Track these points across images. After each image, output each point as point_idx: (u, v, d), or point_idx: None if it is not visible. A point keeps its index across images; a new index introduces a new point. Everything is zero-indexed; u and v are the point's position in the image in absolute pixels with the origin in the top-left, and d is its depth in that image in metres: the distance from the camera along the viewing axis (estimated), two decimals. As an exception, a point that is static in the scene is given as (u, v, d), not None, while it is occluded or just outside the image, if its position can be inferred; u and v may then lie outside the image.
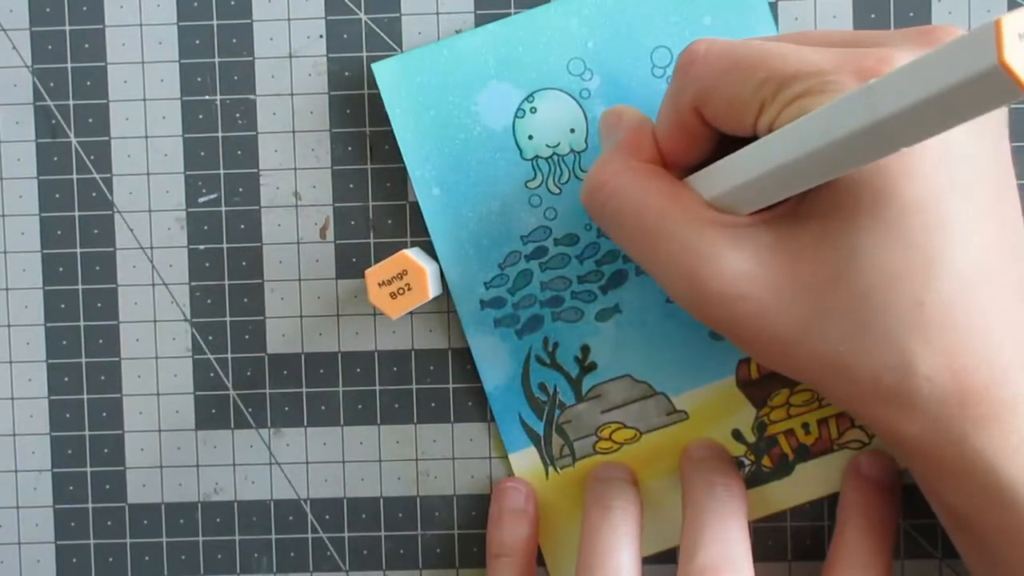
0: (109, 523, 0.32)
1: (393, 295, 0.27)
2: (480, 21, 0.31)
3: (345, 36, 0.31)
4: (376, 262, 0.31)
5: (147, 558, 0.32)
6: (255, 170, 0.31)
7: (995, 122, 0.23)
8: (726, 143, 0.25)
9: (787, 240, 0.23)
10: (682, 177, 0.25)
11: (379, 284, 0.27)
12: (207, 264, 0.32)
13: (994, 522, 0.23)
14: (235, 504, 0.32)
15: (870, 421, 0.24)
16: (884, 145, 0.19)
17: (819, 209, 0.23)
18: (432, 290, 0.28)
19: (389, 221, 0.31)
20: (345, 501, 0.32)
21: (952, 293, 0.22)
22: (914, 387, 0.22)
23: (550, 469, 0.31)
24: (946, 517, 0.25)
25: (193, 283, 0.32)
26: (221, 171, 0.31)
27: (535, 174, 0.31)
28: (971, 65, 0.16)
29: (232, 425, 0.32)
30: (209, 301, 0.32)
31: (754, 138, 0.23)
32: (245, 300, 0.32)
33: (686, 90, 0.24)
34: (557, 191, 0.31)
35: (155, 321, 0.32)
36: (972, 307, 0.22)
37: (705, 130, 0.25)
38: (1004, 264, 0.22)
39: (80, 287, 0.32)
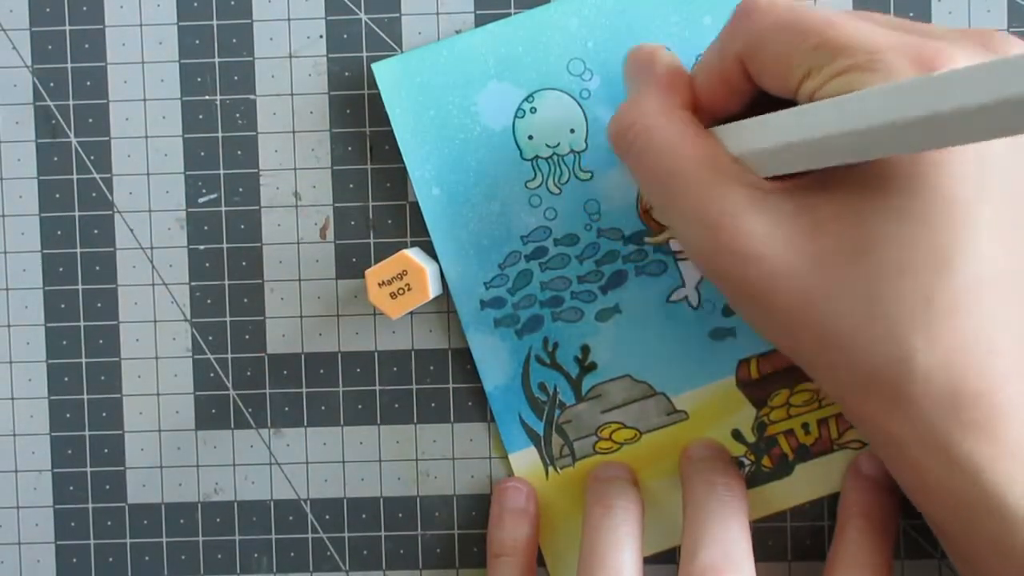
0: (109, 523, 0.32)
1: (393, 295, 0.27)
2: (480, 21, 0.31)
3: (345, 36, 0.31)
4: (376, 262, 0.31)
5: (147, 558, 0.32)
6: (255, 170, 0.31)
7: None
8: (759, 105, 0.24)
9: (809, 210, 0.23)
10: (708, 127, 0.25)
11: (379, 284, 0.27)
12: (207, 264, 0.32)
13: (977, 531, 0.23)
14: (235, 504, 0.32)
15: (861, 419, 0.24)
16: (937, 138, 0.18)
17: (846, 185, 0.22)
18: (432, 290, 0.28)
19: (389, 221, 0.31)
20: (345, 501, 0.32)
21: (962, 294, 0.21)
22: (910, 384, 0.22)
23: (550, 469, 0.31)
24: (931, 525, 0.25)
25: (193, 283, 0.32)
26: (221, 171, 0.31)
27: (535, 174, 0.31)
28: None
29: (232, 425, 0.32)
30: (209, 301, 0.32)
31: (792, 102, 0.23)
32: (245, 300, 0.32)
33: (737, 39, 0.24)
34: (557, 191, 0.31)
35: (155, 321, 0.32)
36: (979, 311, 0.22)
37: (745, 84, 0.24)
38: (1017, 276, 0.22)
39: (80, 287, 0.32)
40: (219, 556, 0.32)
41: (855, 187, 0.22)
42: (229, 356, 0.32)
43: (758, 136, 0.23)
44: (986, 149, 0.22)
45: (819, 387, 0.25)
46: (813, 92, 0.22)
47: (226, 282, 0.32)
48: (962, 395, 0.22)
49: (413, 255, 0.28)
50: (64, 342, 0.32)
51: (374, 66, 0.31)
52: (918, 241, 0.21)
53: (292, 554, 0.32)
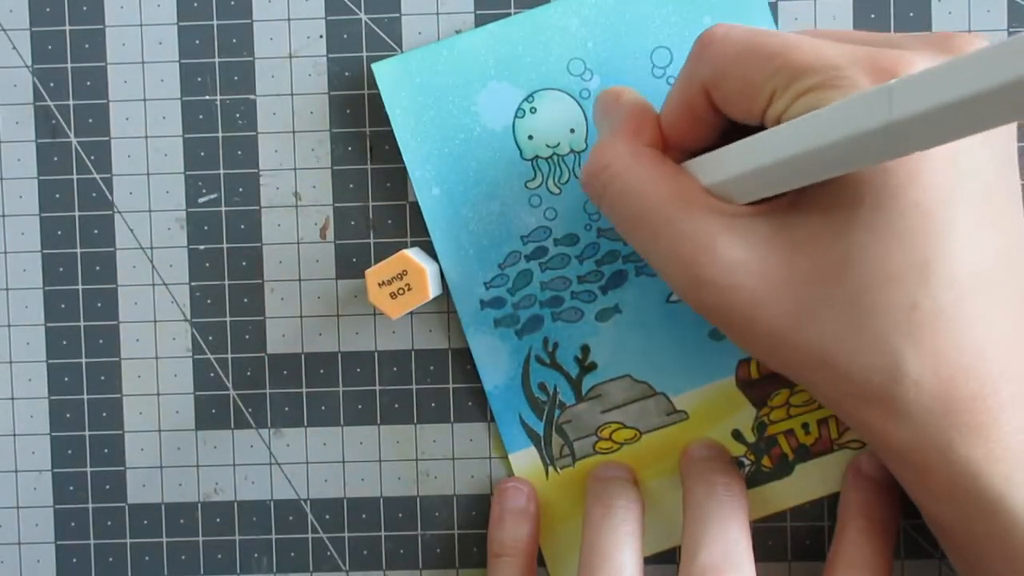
0: (109, 523, 0.32)
1: (393, 295, 0.27)
2: (480, 21, 0.31)
3: (345, 36, 0.31)
4: (376, 262, 0.31)
5: (147, 558, 0.32)
6: (255, 170, 0.31)
7: (1006, 132, 0.23)
8: (728, 135, 0.25)
9: (784, 232, 0.23)
10: (681, 163, 0.25)
11: (379, 284, 0.27)
12: (207, 264, 0.32)
13: (978, 531, 0.23)
14: (235, 504, 0.32)
15: (858, 425, 0.24)
16: (897, 147, 0.19)
17: (819, 203, 0.23)
18: (432, 290, 0.28)
19: (389, 221, 0.31)
20: (345, 501, 0.32)
21: (946, 299, 0.22)
22: (902, 391, 0.22)
23: (550, 469, 0.31)
24: (933, 526, 0.25)
25: (193, 283, 0.32)
26: (221, 171, 0.31)
27: (535, 174, 0.31)
28: (999, 75, 0.16)
29: (232, 425, 0.32)
30: (209, 301, 0.32)
31: (760, 128, 0.23)
32: (245, 300, 0.32)
33: (700, 71, 0.24)
34: (557, 191, 0.31)
35: (155, 321, 0.32)
36: (965, 315, 0.22)
37: (711, 115, 0.25)
38: (1001, 275, 0.22)
39: (80, 287, 0.32)
40: (219, 556, 0.32)
41: (829, 205, 0.22)
42: (229, 356, 0.32)
43: (727, 163, 0.23)
44: (955, 150, 0.22)
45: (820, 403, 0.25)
46: (779, 115, 0.22)
47: (226, 282, 0.32)
48: (955, 399, 0.22)
49: (413, 255, 0.28)
50: (64, 342, 0.32)
51: (374, 66, 0.31)
52: (896, 251, 0.22)
53: (292, 554, 0.32)
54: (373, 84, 0.31)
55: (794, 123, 0.21)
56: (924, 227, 0.22)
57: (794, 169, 0.21)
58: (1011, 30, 0.30)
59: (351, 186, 0.31)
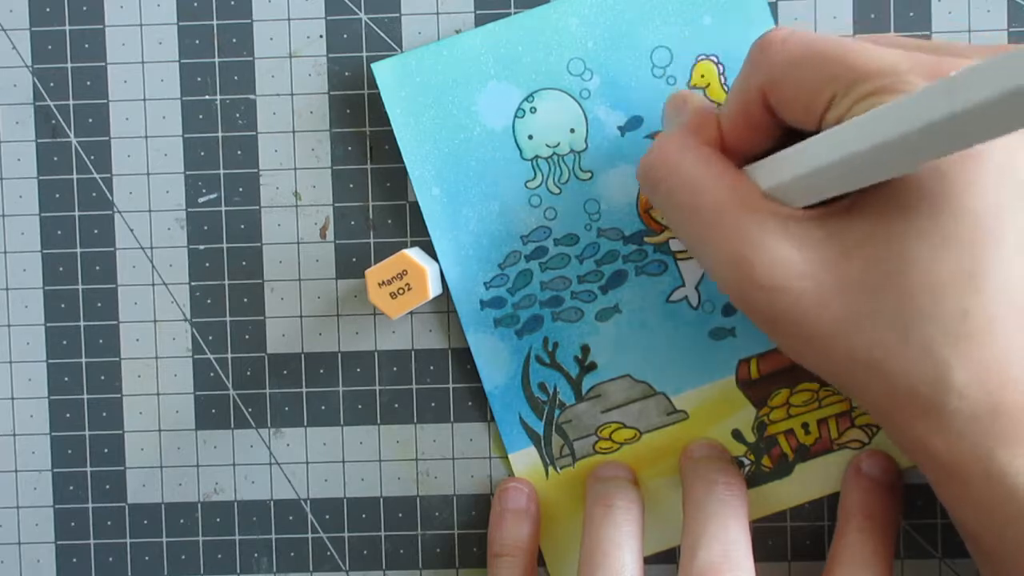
0: (109, 523, 0.32)
1: (393, 295, 0.27)
2: (480, 21, 0.31)
3: (345, 36, 0.31)
4: (376, 262, 0.31)
5: (147, 558, 0.32)
6: (255, 170, 0.31)
7: None
8: (786, 140, 0.25)
9: (837, 236, 0.23)
10: (739, 167, 0.25)
11: (379, 284, 0.27)
12: (207, 264, 0.32)
13: (1009, 536, 0.23)
14: (235, 504, 0.32)
15: (899, 434, 0.24)
16: (957, 139, 0.18)
17: (873, 209, 0.22)
18: (432, 290, 0.28)
19: (389, 221, 0.31)
20: (345, 501, 0.32)
21: (996, 309, 0.21)
22: (946, 400, 0.22)
23: (550, 469, 0.31)
24: (962, 532, 0.25)
25: (193, 283, 0.32)
26: (221, 171, 0.31)
27: (535, 174, 0.31)
28: None
29: (232, 425, 0.32)
30: (209, 301, 0.32)
31: (818, 132, 0.23)
32: (245, 300, 0.32)
33: (757, 74, 0.24)
34: (557, 191, 0.31)
35: (155, 321, 0.32)
36: (1012, 326, 0.22)
37: (768, 119, 0.25)
38: None
39: (80, 287, 0.32)
40: (219, 556, 0.32)
41: (883, 210, 0.22)
42: (229, 356, 0.32)
43: (790, 165, 0.23)
44: (1012, 160, 0.22)
45: (849, 399, 0.25)
46: (838, 119, 0.22)
47: (226, 282, 0.32)
48: (999, 411, 0.22)
49: (413, 255, 0.28)
50: (64, 342, 0.32)
51: (374, 66, 0.31)
52: (948, 258, 0.21)
53: (292, 554, 0.32)
54: (373, 84, 0.31)
55: (853, 122, 0.21)
56: (978, 235, 0.21)
57: (853, 168, 0.21)
58: (1011, 30, 0.31)
59: (351, 186, 0.31)
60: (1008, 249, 0.22)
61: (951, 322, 0.22)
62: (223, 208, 0.32)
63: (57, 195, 0.32)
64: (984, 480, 0.22)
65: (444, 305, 0.31)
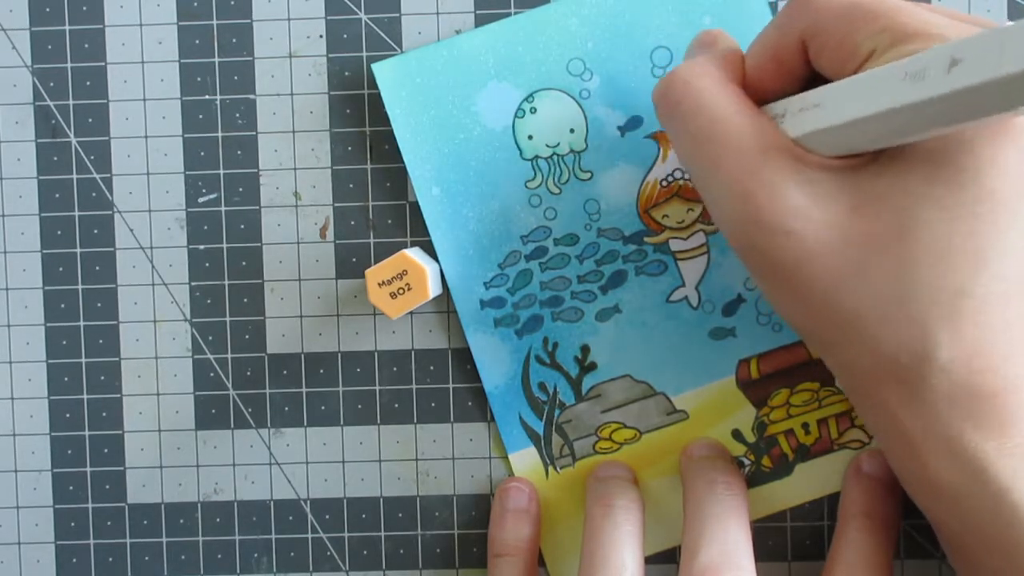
0: (109, 523, 0.32)
1: (393, 295, 0.27)
2: (480, 21, 0.31)
3: (345, 36, 0.31)
4: (376, 262, 0.31)
5: (147, 558, 0.32)
6: (255, 170, 0.31)
7: None
8: (806, 88, 0.24)
9: (851, 190, 0.22)
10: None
11: (379, 284, 0.27)
12: (207, 264, 0.32)
13: (977, 526, 0.23)
14: (235, 504, 0.32)
15: (871, 404, 0.23)
16: (1003, 100, 0.18)
17: (892, 169, 0.22)
18: (432, 290, 0.28)
19: (389, 221, 0.31)
20: (345, 501, 0.32)
21: (994, 292, 0.21)
22: (928, 374, 0.22)
23: (550, 469, 0.31)
24: (932, 523, 0.25)
25: (193, 283, 0.32)
26: (221, 171, 0.31)
27: (535, 174, 0.31)
28: None
29: (232, 425, 0.32)
30: (209, 301, 0.32)
31: None
32: (245, 300, 0.32)
33: (799, 20, 0.24)
34: (557, 191, 0.31)
35: (155, 321, 0.32)
36: (1007, 311, 0.22)
37: (800, 66, 0.24)
38: None
39: (80, 287, 0.32)
40: (219, 556, 0.32)
41: (903, 172, 0.22)
42: (229, 356, 0.32)
43: (814, 113, 0.22)
44: None
45: (836, 375, 0.25)
46: None
47: (226, 282, 0.32)
48: (978, 392, 0.22)
49: (413, 255, 0.28)
50: (64, 342, 0.32)
51: (374, 66, 0.31)
52: (960, 232, 0.21)
53: (292, 554, 0.32)
54: (373, 84, 0.31)
55: (891, 66, 0.20)
56: (993, 215, 0.21)
57: (888, 124, 0.20)
58: (1011, 30, 0.30)
59: (351, 186, 0.31)
60: (1017, 235, 0.21)
61: (947, 297, 0.21)
62: (223, 208, 0.32)
63: (57, 195, 0.32)
64: (948, 461, 0.22)
65: (444, 305, 0.31)
